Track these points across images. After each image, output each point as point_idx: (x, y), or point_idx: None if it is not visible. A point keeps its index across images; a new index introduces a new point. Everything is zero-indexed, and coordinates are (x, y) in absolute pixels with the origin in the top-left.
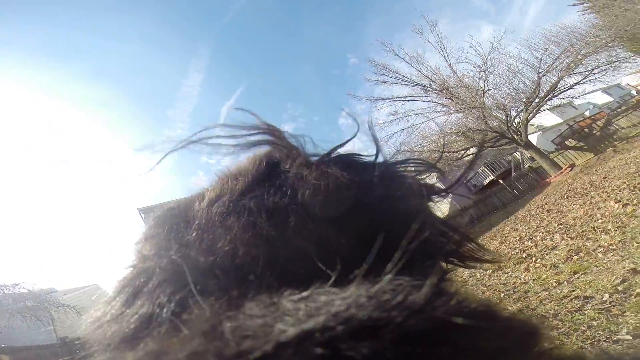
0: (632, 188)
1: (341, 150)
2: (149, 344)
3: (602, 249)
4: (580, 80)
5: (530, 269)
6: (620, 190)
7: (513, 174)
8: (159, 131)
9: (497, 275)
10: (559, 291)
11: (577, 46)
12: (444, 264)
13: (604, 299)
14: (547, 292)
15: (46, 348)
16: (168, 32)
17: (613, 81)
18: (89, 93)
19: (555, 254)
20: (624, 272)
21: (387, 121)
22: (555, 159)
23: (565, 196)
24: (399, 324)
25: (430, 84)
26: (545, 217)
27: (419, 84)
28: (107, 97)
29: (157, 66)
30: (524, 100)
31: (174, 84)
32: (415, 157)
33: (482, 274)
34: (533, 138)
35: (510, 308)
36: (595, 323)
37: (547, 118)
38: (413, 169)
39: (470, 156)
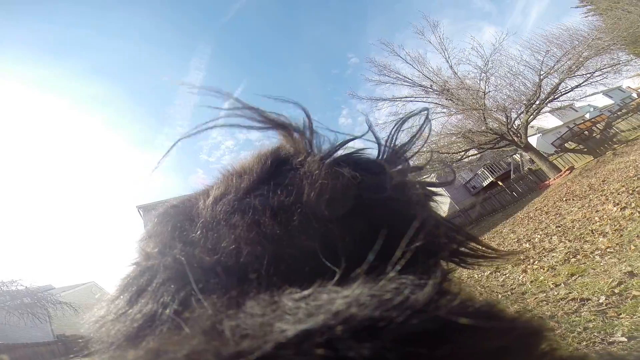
0: (630, 191)
1: (344, 149)
2: (150, 343)
3: (599, 251)
4: (581, 83)
5: (528, 270)
6: (618, 194)
7: (512, 175)
8: (159, 129)
9: (494, 277)
10: (556, 293)
11: (579, 48)
12: (445, 264)
13: (600, 301)
14: (545, 294)
15: (43, 345)
16: (169, 30)
17: (614, 84)
18: (87, 90)
19: (553, 256)
20: (621, 275)
21: (388, 121)
22: (554, 161)
23: (564, 199)
24: (401, 324)
25: (431, 85)
26: (543, 219)
27: (420, 85)
28: (106, 94)
29: (157, 64)
30: (524, 102)
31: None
32: (417, 159)
33: (480, 275)
34: (533, 140)
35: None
36: (591, 325)
37: (547, 120)
38: (417, 169)
39: (470, 157)
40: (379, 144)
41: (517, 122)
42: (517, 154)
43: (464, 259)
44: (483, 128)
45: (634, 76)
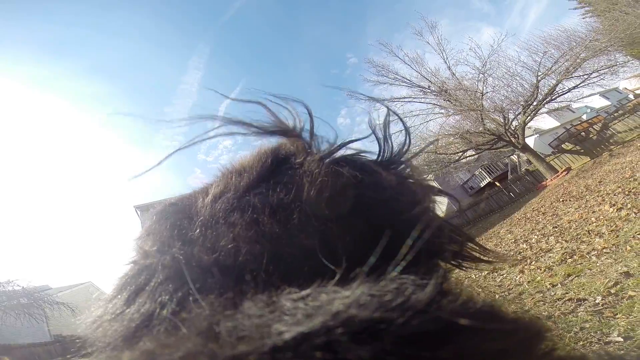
0: (626, 192)
1: (344, 149)
2: (146, 344)
3: (595, 252)
4: (579, 84)
5: (525, 271)
6: (615, 195)
7: (510, 176)
8: (157, 128)
9: (492, 277)
10: (553, 293)
11: (577, 50)
12: (444, 265)
13: (597, 301)
14: (542, 294)
15: (40, 346)
16: (167, 29)
17: (611, 85)
18: (85, 89)
19: (550, 257)
20: (617, 275)
21: (386, 122)
22: (551, 162)
23: (561, 199)
24: (401, 325)
25: (429, 86)
26: (540, 219)
27: (418, 86)
28: (103, 93)
29: (155, 63)
30: (522, 103)
31: (172, 81)
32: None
33: (477, 276)
34: (530, 141)
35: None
36: (587, 325)
37: (544, 121)
38: (417, 169)
39: (468, 158)
40: (380, 145)
41: (514, 123)
42: (514, 155)
43: (463, 261)
44: (480, 129)
45: (630, 77)
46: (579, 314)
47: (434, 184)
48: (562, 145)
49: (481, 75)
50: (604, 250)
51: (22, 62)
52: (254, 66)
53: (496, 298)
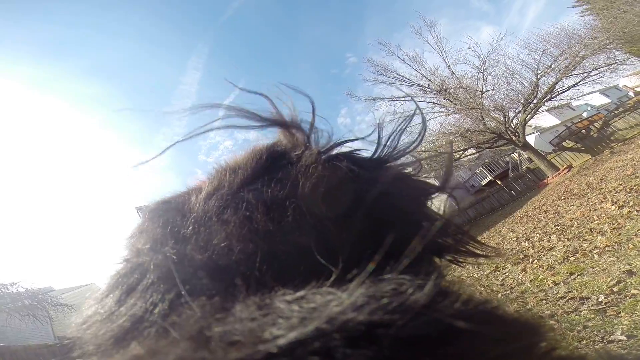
0: (628, 190)
1: (344, 147)
2: (136, 348)
3: (598, 250)
4: (578, 82)
5: (528, 269)
6: (616, 192)
7: (511, 174)
8: (156, 128)
9: (494, 276)
10: (555, 292)
11: (576, 48)
12: (440, 261)
13: (600, 299)
14: (544, 293)
15: (44, 347)
16: (166, 30)
17: (610, 83)
18: (85, 90)
19: (552, 255)
20: (620, 274)
21: (385, 121)
22: (552, 160)
23: (562, 197)
24: (400, 328)
25: (428, 85)
26: (542, 218)
27: (418, 84)
28: (102, 93)
29: (154, 63)
30: (522, 101)
31: (171, 82)
32: (416, 156)
33: (479, 274)
34: (531, 139)
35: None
36: (590, 324)
37: (544, 119)
38: (416, 167)
39: (469, 156)
40: (379, 141)
41: (514, 121)
42: (515, 153)
43: (459, 256)
44: (481, 127)
45: (630, 75)
46: (582, 312)
47: (435, 182)
48: (563, 143)
49: (481, 73)
50: (607, 249)
51: (22, 62)
52: (253, 66)
53: (498, 297)
